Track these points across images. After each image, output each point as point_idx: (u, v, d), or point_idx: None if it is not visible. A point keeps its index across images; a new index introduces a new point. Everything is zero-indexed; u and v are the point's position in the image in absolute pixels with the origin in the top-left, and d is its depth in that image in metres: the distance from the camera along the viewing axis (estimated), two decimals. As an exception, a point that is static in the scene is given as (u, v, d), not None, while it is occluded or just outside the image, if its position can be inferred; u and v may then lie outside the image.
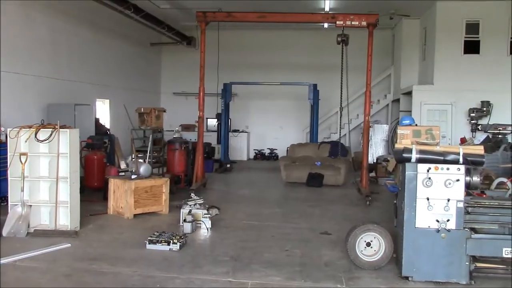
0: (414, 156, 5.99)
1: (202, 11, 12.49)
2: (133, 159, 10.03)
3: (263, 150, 21.59)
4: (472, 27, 16.00)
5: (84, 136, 11.44)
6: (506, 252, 5.88)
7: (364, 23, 11.95)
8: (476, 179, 6.07)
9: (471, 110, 15.61)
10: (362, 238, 6.52)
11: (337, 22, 12.11)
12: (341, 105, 13.78)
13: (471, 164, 6.02)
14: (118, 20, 15.78)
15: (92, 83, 15.21)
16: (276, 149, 21.20)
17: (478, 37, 15.98)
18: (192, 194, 9.33)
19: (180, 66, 21.65)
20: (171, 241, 7.30)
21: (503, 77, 15.65)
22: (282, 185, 14.13)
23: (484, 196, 6.51)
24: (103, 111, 16.38)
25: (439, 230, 5.90)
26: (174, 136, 13.12)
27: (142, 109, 12.93)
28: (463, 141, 14.92)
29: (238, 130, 21.13)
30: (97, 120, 14.06)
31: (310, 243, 7.91)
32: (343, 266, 6.69)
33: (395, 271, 6.39)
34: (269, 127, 21.84)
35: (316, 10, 16.10)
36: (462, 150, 5.98)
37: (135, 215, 9.36)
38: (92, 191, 11.39)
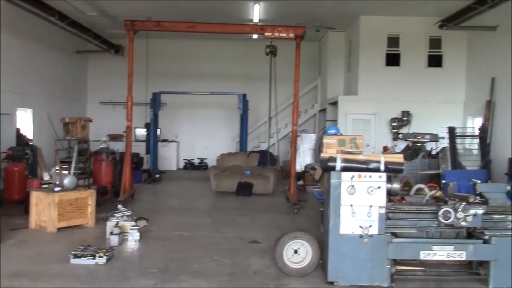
0: (339, 164, 6.20)
1: (131, 19, 12.30)
2: (57, 171, 9.68)
3: (193, 159, 21.49)
4: (393, 41, 16.80)
5: (4, 147, 10.90)
6: (424, 255, 6.19)
7: (291, 35, 12.23)
8: (396, 186, 6.37)
9: (393, 120, 16.34)
10: (289, 245, 6.65)
11: (266, 34, 12.32)
12: (269, 115, 14.00)
13: (392, 171, 6.31)
14: (42, 26, 15.20)
15: (13, 91, 14.53)
16: (206, 159, 21.16)
17: (398, 50, 16.79)
18: (119, 205, 9.13)
19: (107, 74, 21.15)
20: (97, 255, 7.10)
21: (422, 88, 16.55)
22: (212, 195, 14.12)
23: (404, 202, 6.84)
24: (25, 121, 15.68)
25: (362, 236, 6.12)
26: (101, 146, 12.78)
27: (67, 118, 12.51)
28: (385, 149, 15.64)
29: (168, 140, 20.92)
30: (18, 130, 13.46)
31: (240, 252, 7.96)
32: (272, 274, 6.78)
33: (321, 277, 6.56)
34: (199, 136, 21.78)
35: (246, 21, 16.32)
36: (383, 158, 6.25)
37: (59, 229, 9.02)
38: (13, 205, 10.88)
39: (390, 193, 6.38)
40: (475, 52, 16.12)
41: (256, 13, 15.59)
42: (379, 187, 6.14)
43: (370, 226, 6.13)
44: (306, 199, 12.72)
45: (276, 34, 12.20)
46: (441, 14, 14.95)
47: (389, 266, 6.17)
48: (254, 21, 16.20)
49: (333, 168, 6.21)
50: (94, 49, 19.79)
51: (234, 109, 18.60)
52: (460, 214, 6.09)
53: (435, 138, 13.86)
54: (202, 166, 21.08)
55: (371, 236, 6.12)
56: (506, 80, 13.67)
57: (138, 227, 8.58)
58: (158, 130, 18.44)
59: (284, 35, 12.19)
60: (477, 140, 13.25)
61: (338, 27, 18.25)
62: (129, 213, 8.84)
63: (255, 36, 17.87)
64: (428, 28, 16.14)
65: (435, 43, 16.76)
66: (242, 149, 18.03)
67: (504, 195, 6.55)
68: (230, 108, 19.75)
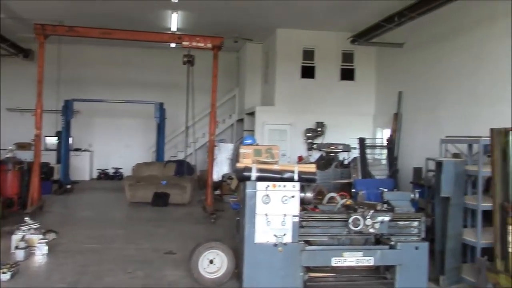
0: (254, 174, 6.28)
1: (41, 23, 11.78)
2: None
3: (108, 169, 20.85)
4: (309, 54, 17.32)
5: None
6: (335, 261, 6.40)
7: (209, 45, 12.27)
8: (309, 195, 6.56)
9: (308, 130, 16.80)
10: (205, 255, 6.63)
11: (183, 43, 12.27)
12: (187, 124, 13.92)
13: (305, 181, 6.49)
14: None
15: None
16: (121, 169, 20.60)
17: (313, 63, 17.33)
18: (26, 218, 8.68)
19: (15, 80, 19.99)
20: (1, 271, 6.69)
21: (335, 100, 17.18)
22: (126, 206, 13.77)
23: (317, 210, 7.04)
24: None
25: (276, 244, 6.23)
26: (7, 155, 12.08)
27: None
28: (300, 159, 16.02)
29: (81, 149, 20.15)
30: None
31: (154, 263, 7.83)
32: (187, 284, 6.73)
33: (237, 286, 6.59)
34: (115, 145, 21.16)
35: (164, 29, 16.16)
36: (297, 168, 6.41)
37: (-43, 244, 8.42)
38: None
39: (303, 202, 6.55)
40: (384, 67, 17.00)
41: (174, 22, 15.49)
42: (293, 196, 6.28)
43: (284, 234, 6.25)
44: (223, 208, 12.74)
45: (194, 43, 12.18)
46: (353, 29, 15.62)
47: (302, 274, 6.31)
48: (172, 30, 16.09)
49: (249, 178, 6.28)
50: (1, 53, 18.72)
51: (151, 118, 18.29)
52: (369, 221, 6.35)
53: (347, 148, 14.37)
54: (117, 176, 20.50)
55: (285, 244, 6.24)
56: (412, 94, 14.54)
57: (46, 241, 8.19)
58: (70, 139, 17.74)
59: (202, 45, 12.20)
60: (385, 151, 13.91)
61: (255, 38, 18.53)
62: (36, 225, 8.43)
63: (173, 45, 17.74)
64: (341, 43, 16.79)
65: (347, 57, 17.49)
66: (159, 159, 17.75)
67: (408, 202, 6.91)
68: (147, 117, 19.39)
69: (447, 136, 9.62)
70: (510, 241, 5.47)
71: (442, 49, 12.79)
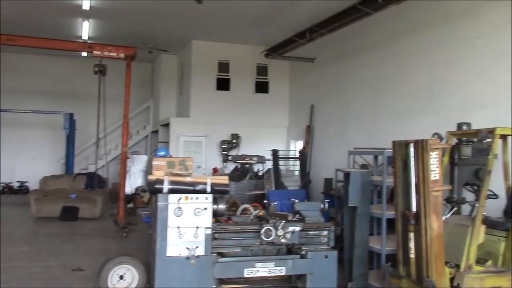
0: (166, 187, 6.20)
1: None
2: None
3: (12, 183, 19.68)
4: (224, 66, 17.45)
5: None
6: (247, 272, 6.44)
7: (122, 55, 12.00)
8: (222, 206, 6.56)
9: (223, 142, 16.86)
10: (115, 271, 6.44)
11: (95, 52, 11.90)
12: (98, 136, 13.49)
13: (218, 193, 6.50)
14: None
15: None
16: (27, 182, 19.52)
17: (228, 76, 17.46)
18: None
19: None
20: None
21: (250, 112, 17.40)
22: (32, 221, 13.06)
23: (230, 222, 7.07)
24: None
25: (189, 257, 6.16)
26: None
27: None
28: (215, 170, 16.03)
29: (-19, 162, 18.92)
30: None
31: (61, 281, 7.49)
32: (96, 302, 6.48)
33: (148, 301, 6.45)
34: (20, 158, 20.04)
35: (76, 38, 15.62)
36: (210, 180, 6.41)
37: None
38: None
39: (216, 214, 6.55)
40: (297, 80, 17.49)
41: (86, 30, 15.04)
42: (205, 209, 6.26)
43: (197, 247, 6.20)
44: (136, 222, 12.43)
45: (106, 53, 11.86)
46: (266, 43, 15.95)
47: (215, 286, 6.29)
48: (83, 38, 15.59)
49: (160, 191, 6.19)
50: None
51: (60, 129, 17.55)
52: (280, 232, 6.46)
53: (262, 160, 14.60)
54: (22, 190, 19.40)
55: (197, 257, 6.19)
56: (323, 107, 15.06)
57: None
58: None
59: (114, 54, 11.91)
60: (298, 162, 14.27)
61: (171, 49, 18.39)
62: None
63: (84, 53, 17.17)
64: (256, 56, 17.08)
65: (262, 70, 17.83)
66: (68, 172, 17.05)
67: (318, 212, 7.11)
68: (56, 128, 18.59)
69: (355, 148, 10.05)
70: (412, 247, 5.77)
71: (351, 64, 13.38)
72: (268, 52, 15.91)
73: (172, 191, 6.21)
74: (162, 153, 9.07)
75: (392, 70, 11.43)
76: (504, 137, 6.38)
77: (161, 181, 6.21)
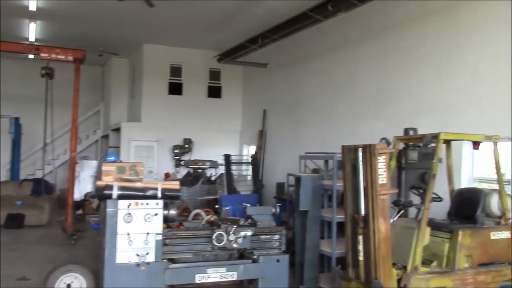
0: (115, 192, 6.08)
1: None
2: None
3: (-47, 190, 18.81)
4: (176, 70, 17.32)
5: None
6: (199, 278, 6.39)
7: (70, 58, 11.71)
8: (173, 212, 6.49)
9: (175, 147, 16.70)
10: (62, 280, 6.26)
11: (42, 55, 11.57)
12: (45, 140, 13.08)
13: (169, 198, 6.43)
14: None
15: None
16: (-31, 189, 18.70)
17: (181, 80, 17.35)
18: None
19: None
20: None
21: (203, 117, 17.33)
22: (-26, 229, 12.55)
23: (182, 227, 7.00)
24: None
25: (139, 264, 6.06)
26: None
27: None
28: (167, 175, 15.87)
29: None
30: None
31: (4, 291, 7.21)
32: (41, 312, 6.28)
33: (97, 310, 6.30)
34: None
35: (22, 39, 15.12)
36: (160, 185, 6.33)
37: None
38: None
39: (167, 220, 6.48)
40: (249, 85, 17.56)
41: (32, 32, 14.59)
42: (156, 214, 6.18)
43: (147, 253, 6.11)
44: (85, 229, 12.13)
45: (53, 56, 11.54)
46: (219, 48, 15.94)
47: (165, 293, 6.22)
48: (30, 40, 15.11)
49: (110, 196, 6.07)
50: None
51: (5, 133, 16.93)
52: (232, 237, 6.46)
53: (214, 165, 14.56)
54: (-36, 197, 18.58)
55: (148, 263, 6.10)
56: (276, 112, 15.18)
57: None
58: None
59: (62, 57, 11.61)
60: (250, 167, 14.30)
61: (122, 53, 18.08)
62: None
63: (31, 56, 16.65)
64: (208, 61, 17.03)
65: (215, 75, 17.79)
66: (14, 177, 16.46)
67: (270, 217, 7.14)
68: (1, 133, 17.90)
69: (306, 153, 10.16)
70: (360, 250, 5.88)
71: (303, 70, 13.55)
72: (220, 57, 15.90)
73: (121, 196, 6.10)
74: (111, 158, 8.89)
75: (343, 76, 11.65)
76: (448, 142, 6.62)
77: (110, 187, 6.10)
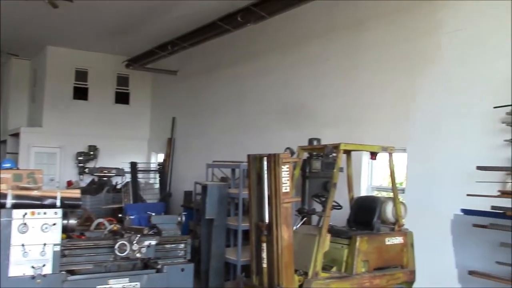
0: (9, 201, 5.73)
1: None
2: None
3: None
4: (82, 75, 16.71)
5: None
6: (100, 290, 6.18)
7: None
8: (73, 221, 6.22)
9: (79, 154, 16.09)
10: None
11: None
12: None
13: (69, 207, 6.16)
14: None
15: None
16: None
17: (87, 85, 16.76)
18: None
19: None
20: None
21: (110, 123, 16.84)
22: None
23: (83, 237, 6.73)
24: None
25: (34, 277, 5.74)
26: None
27: None
28: (70, 183, 15.24)
29: None
30: None
31: None
32: None
33: (-14, 327, 5.88)
34: None
35: None
36: (59, 194, 6.05)
37: None
38: None
39: (67, 229, 6.20)
40: (159, 92, 17.35)
41: None
42: (54, 224, 5.89)
43: (44, 265, 5.79)
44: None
45: None
46: (128, 53, 15.60)
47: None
48: None
49: (3, 206, 5.71)
50: None
51: None
52: (135, 246, 6.30)
53: (120, 172, 14.18)
54: None
55: (44, 276, 5.79)
56: (185, 120, 15.10)
57: None
58: None
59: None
60: (158, 175, 14.11)
61: (22, 54, 17.17)
62: None
63: None
64: (116, 66, 16.61)
65: (123, 80, 17.38)
66: None
67: (175, 225, 7.07)
68: None
69: (214, 161, 10.20)
70: (264, 257, 5.98)
71: (214, 78, 13.61)
72: (129, 63, 15.56)
73: (16, 206, 5.76)
74: (7, 165, 8.37)
75: (254, 86, 11.83)
76: (348, 152, 6.93)
77: (4, 195, 5.73)
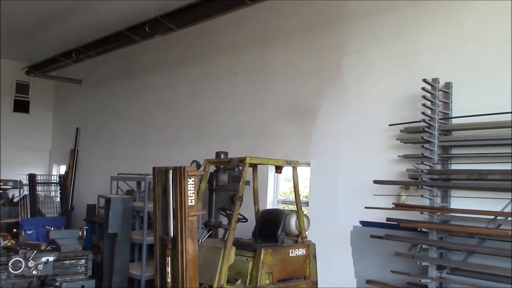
0: None
1: None
2: None
3: None
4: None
5: None
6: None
7: None
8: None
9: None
10: None
11: None
12: None
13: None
14: None
15: None
16: None
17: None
18: None
19: None
20: None
21: (7, 133, 15.75)
22: None
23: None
24: None
25: None
26: None
27: None
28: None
29: None
30: None
31: None
32: None
33: None
34: None
35: None
36: None
37: None
38: None
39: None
40: (62, 101, 16.66)
41: None
42: None
43: None
44: None
45: None
46: (29, 60, 14.82)
47: None
48: None
49: None
50: None
51: None
52: (31, 263, 6.01)
53: (18, 185, 13.36)
54: None
55: None
56: (90, 131, 14.60)
57: None
58: None
59: None
60: (59, 187, 13.49)
61: None
62: None
63: None
64: (16, 72, 15.72)
65: (22, 88, 16.47)
66: None
67: (76, 240, 6.82)
68: None
69: (119, 174, 9.94)
70: (169, 271, 5.89)
71: (120, 89, 13.30)
72: (29, 70, 14.78)
73: None
74: None
75: (162, 98, 11.69)
76: (254, 165, 7.04)
77: None
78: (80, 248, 6.81)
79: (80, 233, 6.89)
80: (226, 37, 10.04)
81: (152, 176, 6.31)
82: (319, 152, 7.94)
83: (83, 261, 6.62)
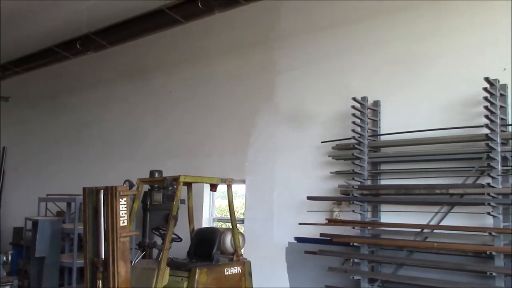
0: None
1: None
2: None
3: None
4: None
5: None
6: None
7: None
8: None
9: None
10: None
11: None
12: None
13: None
14: None
15: None
16: None
17: None
18: None
19: None
20: None
21: None
22: None
23: None
24: None
25: None
26: None
27: None
28: None
29: None
30: None
31: None
32: None
33: None
34: None
35: None
36: None
37: None
38: None
39: None
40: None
41: None
42: None
43: None
44: None
45: None
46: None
47: None
48: None
49: None
50: None
51: None
52: None
53: None
54: None
55: None
56: (18, 150, 14.00)
57: None
58: None
59: None
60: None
61: None
62: None
63: None
64: None
65: None
66: None
67: (0, 265, 6.46)
68: None
69: (48, 195, 9.55)
70: (101, 295, 5.69)
71: (51, 107, 12.86)
72: (-51, 85, 14.02)
73: None
74: None
75: (95, 115, 11.39)
76: (189, 184, 6.97)
77: None
78: (5, 273, 6.45)
79: (5, 257, 6.53)
80: (162, 54, 9.97)
81: (82, 197, 6.11)
82: (254, 169, 7.99)
83: (8, 287, 6.27)
